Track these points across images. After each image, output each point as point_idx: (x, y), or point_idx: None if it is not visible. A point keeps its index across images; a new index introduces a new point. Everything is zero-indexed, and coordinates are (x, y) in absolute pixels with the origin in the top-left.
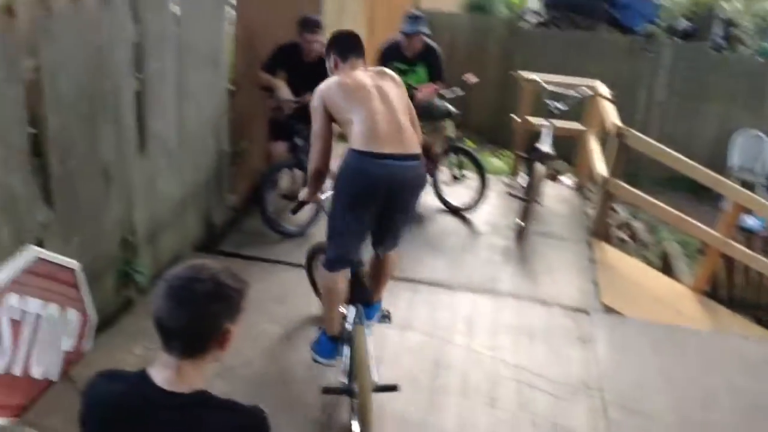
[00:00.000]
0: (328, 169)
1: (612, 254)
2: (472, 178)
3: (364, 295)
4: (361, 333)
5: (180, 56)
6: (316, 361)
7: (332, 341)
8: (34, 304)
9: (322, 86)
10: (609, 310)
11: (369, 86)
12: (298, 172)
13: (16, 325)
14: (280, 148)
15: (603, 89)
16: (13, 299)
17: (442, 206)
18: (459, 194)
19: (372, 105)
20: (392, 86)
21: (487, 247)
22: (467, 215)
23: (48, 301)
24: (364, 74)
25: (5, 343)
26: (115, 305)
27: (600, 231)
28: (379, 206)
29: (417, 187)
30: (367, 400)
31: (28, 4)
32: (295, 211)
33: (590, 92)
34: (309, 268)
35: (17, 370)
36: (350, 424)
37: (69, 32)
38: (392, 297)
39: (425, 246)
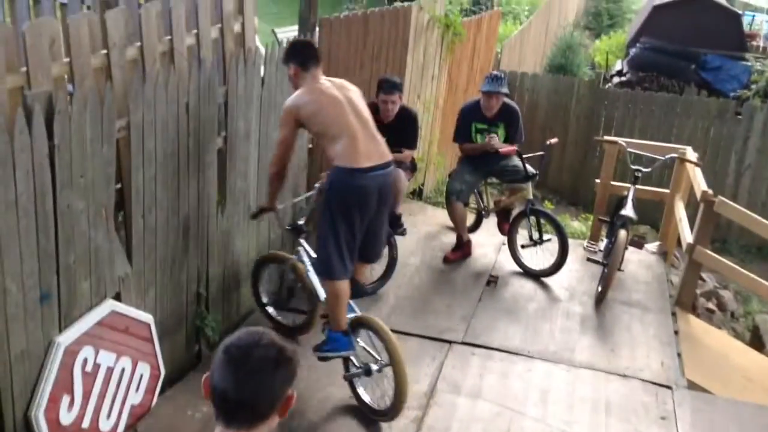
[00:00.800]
0: (286, 173)
1: (698, 326)
2: (551, 241)
3: (360, 290)
4: (373, 319)
5: (264, 116)
6: (327, 359)
7: (345, 335)
8: (107, 358)
9: (295, 100)
10: (694, 386)
11: (341, 100)
12: None
13: (88, 377)
14: None
15: (691, 154)
16: (87, 352)
17: (518, 269)
18: (537, 258)
19: (349, 121)
20: (358, 97)
21: (564, 314)
22: (545, 279)
23: (121, 355)
24: (330, 86)
25: (77, 396)
26: (185, 360)
27: (685, 301)
28: (372, 213)
29: (391, 188)
30: (402, 370)
31: (124, 68)
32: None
33: (676, 155)
34: (255, 278)
35: (86, 423)
36: (363, 399)
37: (160, 94)
38: (463, 363)
39: (499, 311)
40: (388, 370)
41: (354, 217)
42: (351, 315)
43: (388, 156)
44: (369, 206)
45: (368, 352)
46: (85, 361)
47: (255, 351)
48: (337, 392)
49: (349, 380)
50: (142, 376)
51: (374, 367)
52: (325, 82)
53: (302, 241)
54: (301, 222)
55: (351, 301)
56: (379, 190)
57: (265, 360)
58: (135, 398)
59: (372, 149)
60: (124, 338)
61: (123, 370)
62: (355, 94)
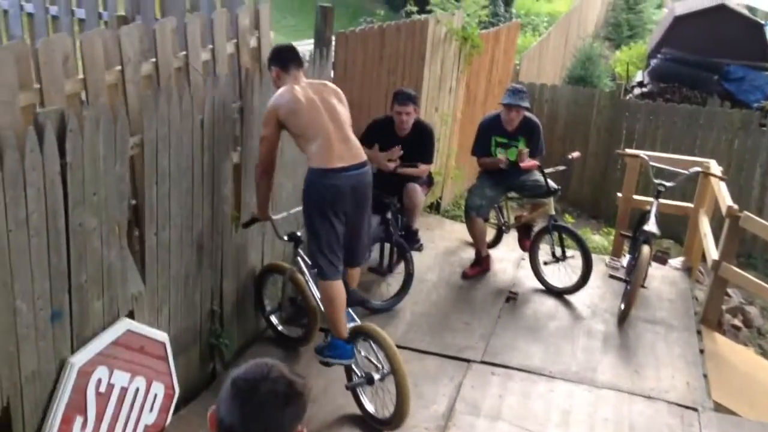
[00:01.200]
0: (273, 177)
1: (724, 345)
2: (573, 257)
3: (355, 299)
4: (373, 327)
5: None
6: (329, 364)
7: (347, 343)
8: (121, 377)
9: (277, 99)
10: (720, 408)
11: (318, 102)
12: (388, 246)
13: (101, 398)
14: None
15: (715, 167)
16: (101, 372)
17: (540, 286)
18: (559, 275)
19: (325, 124)
20: (336, 101)
21: (585, 333)
22: (566, 297)
23: (135, 375)
24: (310, 88)
25: (90, 417)
26: (199, 378)
27: (711, 318)
28: (349, 213)
29: (370, 188)
30: (404, 378)
31: (138, 84)
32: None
33: (700, 169)
34: (259, 288)
35: None
36: (367, 408)
37: (174, 110)
38: (482, 383)
39: (520, 329)
40: (390, 379)
41: (330, 217)
42: (351, 324)
43: (362, 157)
44: (344, 206)
45: (370, 360)
46: (99, 381)
47: (263, 385)
48: (345, 401)
49: (353, 389)
50: (156, 395)
51: (376, 375)
52: (304, 83)
53: (301, 251)
54: (299, 233)
55: (350, 310)
56: (353, 190)
57: (273, 394)
58: (149, 418)
59: (344, 150)
60: (138, 357)
61: (137, 389)
62: (334, 95)
